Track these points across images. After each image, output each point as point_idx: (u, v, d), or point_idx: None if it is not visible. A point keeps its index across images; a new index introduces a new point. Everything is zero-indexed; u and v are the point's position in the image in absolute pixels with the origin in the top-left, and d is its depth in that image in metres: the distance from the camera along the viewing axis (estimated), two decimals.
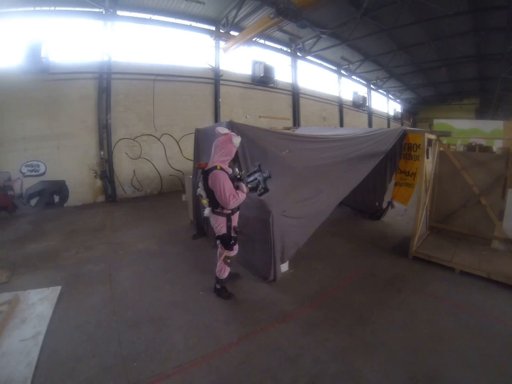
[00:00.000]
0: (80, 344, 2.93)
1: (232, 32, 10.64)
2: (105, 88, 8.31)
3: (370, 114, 21.35)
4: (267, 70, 11.88)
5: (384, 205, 6.59)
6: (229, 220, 3.44)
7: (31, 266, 4.45)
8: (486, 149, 6.63)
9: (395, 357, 2.79)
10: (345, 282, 4.17)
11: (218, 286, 3.77)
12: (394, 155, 5.80)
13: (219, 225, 3.46)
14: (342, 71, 17.40)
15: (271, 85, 12.79)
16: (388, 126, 22.57)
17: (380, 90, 22.47)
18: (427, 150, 5.38)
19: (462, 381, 2.52)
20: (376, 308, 3.54)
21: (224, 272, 3.65)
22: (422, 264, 4.60)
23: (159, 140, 9.66)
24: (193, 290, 3.94)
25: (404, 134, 5.36)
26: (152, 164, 9.56)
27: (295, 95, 14.15)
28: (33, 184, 7.44)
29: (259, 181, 3.38)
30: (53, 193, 7.69)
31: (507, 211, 4.85)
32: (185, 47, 10.20)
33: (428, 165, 5.31)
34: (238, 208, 3.55)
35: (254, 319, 3.36)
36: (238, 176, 3.47)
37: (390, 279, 4.24)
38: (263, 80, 12.17)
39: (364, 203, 6.99)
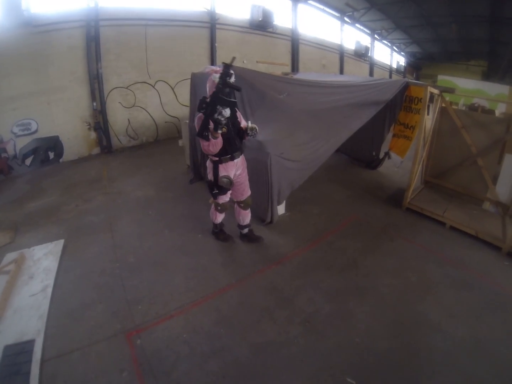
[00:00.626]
0: (86, 292, 3.07)
1: None
2: (94, 37, 7.83)
3: (372, 64, 20.63)
4: (266, 14, 11.33)
5: (381, 155, 6.64)
6: (215, 167, 3.27)
7: (33, 224, 4.50)
8: (488, 112, 6.62)
9: (384, 300, 3.04)
10: (340, 227, 4.37)
11: (215, 230, 3.95)
12: (394, 106, 5.75)
13: (208, 171, 3.39)
14: (346, 18, 16.49)
15: (270, 30, 12.22)
16: (390, 78, 21.99)
17: (384, 41, 21.48)
18: (428, 106, 5.34)
19: (443, 327, 2.78)
20: (369, 254, 3.77)
21: (215, 217, 3.75)
22: (414, 216, 4.80)
23: (153, 87, 9.35)
24: (192, 233, 4.09)
25: (406, 86, 5.35)
26: (147, 112, 9.33)
27: (294, 41, 13.56)
28: (26, 143, 7.22)
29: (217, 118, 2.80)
30: (47, 150, 7.53)
31: (502, 175, 4.98)
32: None
33: (428, 120, 5.31)
34: (232, 157, 3.26)
35: (251, 261, 3.57)
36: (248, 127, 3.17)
37: (384, 227, 4.46)
38: (261, 25, 11.61)
39: (362, 151, 7.01)
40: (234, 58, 2.69)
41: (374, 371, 2.34)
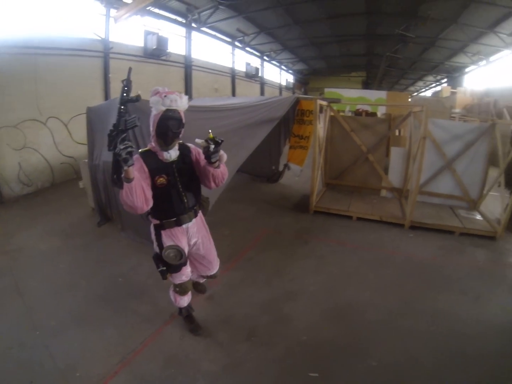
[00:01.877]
0: (11, 374, 2.62)
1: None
2: None
3: (263, 84, 22.28)
4: (160, 42, 11.30)
5: (281, 168, 7.19)
6: (157, 235, 2.46)
7: None
8: (371, 115, 7.86)
9: (315, 297, 3.36)
10: (255, 242, 4.57)
11: (180, 315, 3.04)
12: (288, 121, 6.32)
13: (152, 237, 2.54)
14: (237, 43, 17.62)
15: (164, 57, 12.33)
16: (280, 95, 23.93)
17: (273, 62, 23.48)
18: (319, 116, 6.08)
19: (374, 302, 3.24)
20: (288, 260, 4.05)
21: (177, 301, 2.82)
22: (323, 217, 5.34)
23: (45, 125, 8.61)
24: (111, 279, 3.83)
25: (297, 101, 5.95)
26: (40, 154, 8.51)
27: (187, 68, 13.89)
28: None
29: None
30: None
31: (391, 165, 6.06)
32: (71, 16, 8.84)
33: (320, 129, 5.96)
34: (178, 222, 2.45)
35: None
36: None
37: (296, 233, 4.83)
38: (155, 53, 11.53)
39: (262, 168, 7.42)
40: (130, 69, 2.06)
41: (329, 359, 2.57)
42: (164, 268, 2.45)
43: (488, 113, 15.00)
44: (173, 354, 2.67)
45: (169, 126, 2.17)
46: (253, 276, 3.75)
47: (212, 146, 2.16)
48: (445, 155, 5.71)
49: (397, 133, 6.88)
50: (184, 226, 2.48)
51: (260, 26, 15.91)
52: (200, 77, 14.89)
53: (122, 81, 2.02)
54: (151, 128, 2.22)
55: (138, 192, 2.03)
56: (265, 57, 21.74)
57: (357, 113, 7.82)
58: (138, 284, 3.69)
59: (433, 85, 28.82)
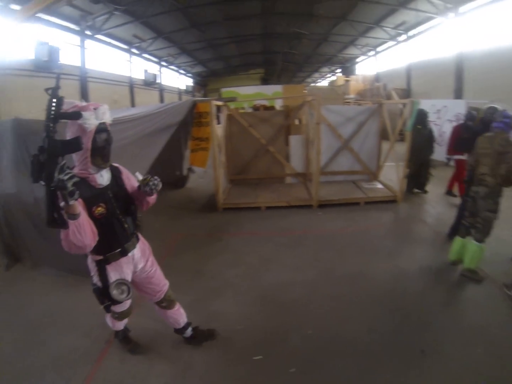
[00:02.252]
0: None
1: (13, 6, 8.23)
2: None
3: (162, 90, 21.79)
4: (52, 53, 9.97)
5: (185, 172, 7.10)
6: (102, 270, 2.11)
7: None
8: (269, 108, 8.12)
9: (239, 287, 3.36)
10: (170, 249, 4.39)
11: (117, 337, 2.78)
12: (187, 125, 6.22)
13: (91, 273, 2.19)
14: (134, 50, 16.95)
15: (56, 70, 11.06)
16: (180, 100, 23.68)
17: (171, 66, 23.09)
18: (218, 116, 6.11)
19: (296, 280, 3.43)
20: (206, 260, 3.99)
21: (114, 325, 2.59)
22: (233, 212, 5.35)
23: None
24: (35, 321, 3.16)
25: (194, 104, 5.92)
26: None
27: (83, 80, 12.76)
28: None
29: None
30: None
31: (292, 152, 6.37)
32: None
33: (219, 129, 6.00)
34: (123, 252, 2.14)
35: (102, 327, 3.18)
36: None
37: (209, 232, 4.77)
38: (47, 65, 10.14)
39: (166, 174, 7.03)
40: (59, 75, 1.67)
41: (268, 340, 2.60)
42: (110, 303, 2.10)
43: (378, 95, 16.76)
44: (119, 380, 2.42)
45: (107, 140, 1.92)
46: (175, 281, 3.48)
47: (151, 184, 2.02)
48: (341, 136, 6.25)
49: (297, 122, 7.16)
50: (129, 254, 2.18)
51: (158, 31, 15.62)
52: (98, 89, 13.95)
53: (47, 90, 1.59)
54: (83, 148, 1.76)
55: (87, 228, 1.70)
56: (163, 63, 21.32)
57: (255, 108, 8.06)
58: (65, 320, 3.19)
59: (329, 75, 31.18)
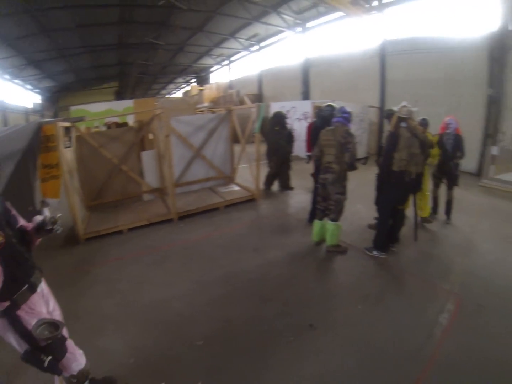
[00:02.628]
0: None
1: None
2: None
3: (5, 111, 18.66)
4: None
5: (38, 206, 6.36)
6: (14, 320, 1.72)
7: None
8: (122, 125, 7.96)
9: (120, 317, 3.21)
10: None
11: None
12: (33, 151, 5.63)
13: (3, 333, 1.77)
14: None
15: None
16: (28, 121, 20.78)
17: (16, 81, 19.63)
18: (70, 137, 5.76)
19: (174, 294, 3.49)
20: (78, 296, 3.60)
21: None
22: (96, 241, 5.02)
23: None
24: None
25: (39, 127, 5.33)
26: None
27: None
28: None
29: None
30: None
31: (145, 168, 6.38)
32: None
33: (69, 152, 5.58)
34: (31, 287, 1.84)
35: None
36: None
37: (75, 267, 4.34)
38: None
39: (17, 212, 6.39)
40: None
41: (167, 365, 2.57)
42: (51, 357, 1.76)
43: (231, 102, 18.03)
44: None
45: None
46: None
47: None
48: (192, 145, 6.56)
49: (151, 137, 7.17)
50: (38, 289, 1.90)
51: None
52: None
53: None
54: None
55: None
56: (6, 76, 18.15)
57: (108, 126, 7.87)
58: None
59: (184, 86, 31.88)
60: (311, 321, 2.93)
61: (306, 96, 16.33)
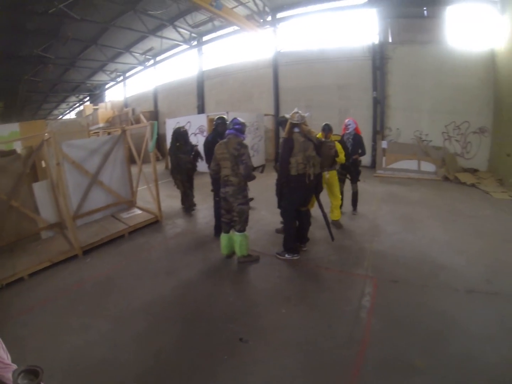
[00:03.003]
0: None
1: None
2: None
3: None
4: None
5: None
6: None
7: None
8: (10, 153, 6.94)
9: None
10: None
11: None
12: None
13: None
14: None
15: None
16: None
17: None
18: None
19: (96, 338, 3.10)
20: None
21: None
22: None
23: None
24: None
25: None
26: None
27: None
28: None
29: None
30: None
31: (39, 202, 5.55)
32: None
33: None
34: None
35: None
36: None
37: None
38: None
39: None
40: None
41: None
42: None
43: (127, 121, 17.43)
44: None
45: None
46: None
47: None
48: (88, 172, 5.97)
49: (44, 165, 6.40)
50: None
51: None
52: None
53: None
54: None
55: None
56: None
57: None
58: None
59: (77, 105, 29.48)
60: (240, 335, 2.92)
61: (201, 109, 16.60)
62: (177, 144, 6.45)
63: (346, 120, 6.11)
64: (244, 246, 4.28)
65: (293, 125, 4.17)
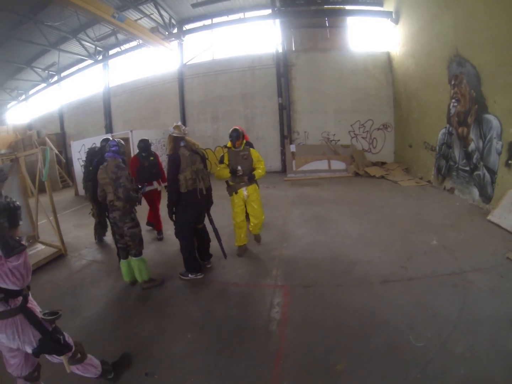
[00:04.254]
0: None
1: None
2: None
3: None
4: None
5: None
6: (28, 313, 1.96)
7: None
8: None
9: None
10: None
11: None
12: None
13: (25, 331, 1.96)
14: None
15: None
16: None
17: None
18: None
19: None
20: None
21: (88, 368, 2.30)
22: None
23: None
24: None
25: None
26: None
27: None
28: None
29: None
30: None
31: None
32: None
33: None
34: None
35: None
36: None
37: None
38: None
39: None
40: None
41: None
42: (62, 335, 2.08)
43: (32, 145, 15.94)
44: None
45: None
46: None
47: None
48: None
49: None
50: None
51: None
52: None
53: None
54: None
55: None
56: None
57: None
58: None
59: None
60: (146, 369, 2.62)
61: (109, 129, 15.63)
62: (90, 168, 5.55)
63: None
64: (144, 270, 4.01)
65: (179, 139, 3.98)
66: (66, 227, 6.70)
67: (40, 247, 5.78)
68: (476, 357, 2.42)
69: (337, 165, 11.22)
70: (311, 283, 3.79)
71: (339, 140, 12.06)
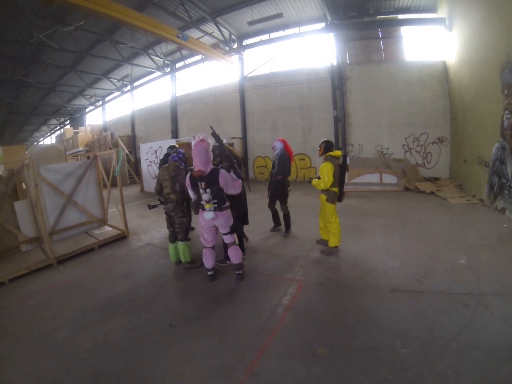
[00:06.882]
0: None
1: None
2: None
3: None
4: None
5: None
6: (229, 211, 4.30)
7: None
8: None
9: None
10: None
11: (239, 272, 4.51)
12: None
13: (229, 217, 4.26)
14: None
15: None
16: None
17: None
18: None
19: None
20: None
21: (239, 255, 4.43)
22: None
23: None
24: None
25: None
26: None
27: None
28: None
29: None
30: None
31: (19, 219, 6.42)
32: None
33: None
34: None
35: None
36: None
37: None
38: None
39: None
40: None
41: None
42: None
43: (106, 145, 18.22)
44: None
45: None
46: None
47: None
48: (63, 193, 6.91)
49: (25, 187, 7.13)
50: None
51: None
52: None
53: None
54: None
55: None
56: None
57: None
58: None
59: (57, 128, 30.60)
60: (171, 322, 3.55)
61: (175, 134, 17.57)
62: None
63: (274, 142, 6.36)
64: (187, 253, 5.02)
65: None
66: (130, 216, 8.26)
67: (107, 228, 7.32)
68: (456, 378, 2.44)
69: (389, 179, 11.27)
70: (325, 281, 4.30)
71: (392, 153, 12.15)
